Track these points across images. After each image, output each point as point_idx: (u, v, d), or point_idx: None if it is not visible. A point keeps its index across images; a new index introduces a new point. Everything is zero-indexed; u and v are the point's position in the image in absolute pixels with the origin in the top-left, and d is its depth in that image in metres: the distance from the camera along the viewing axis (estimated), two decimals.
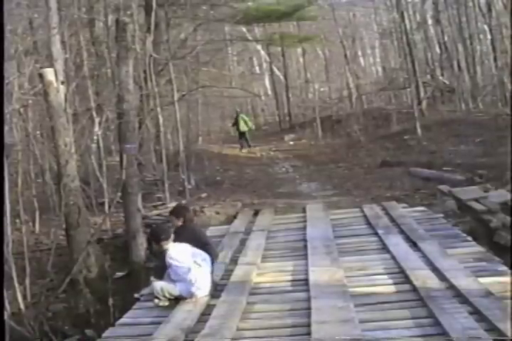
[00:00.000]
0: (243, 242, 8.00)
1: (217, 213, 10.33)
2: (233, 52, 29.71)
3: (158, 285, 5.88)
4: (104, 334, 5.24)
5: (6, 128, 7.83)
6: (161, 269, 6.15)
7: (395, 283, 5.76)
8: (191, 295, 5.74)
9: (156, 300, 5.85)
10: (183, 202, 11.32)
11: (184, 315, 5.32)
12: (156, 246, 6.03)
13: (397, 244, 7.16)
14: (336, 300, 5.23)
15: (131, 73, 8.94)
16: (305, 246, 7.48)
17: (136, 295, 6.39)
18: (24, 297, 7.05)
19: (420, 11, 28.43)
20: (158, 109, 12.52)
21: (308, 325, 4.75)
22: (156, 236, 6.04)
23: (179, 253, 5.87)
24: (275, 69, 31.67)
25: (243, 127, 21.99)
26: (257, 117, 33.68)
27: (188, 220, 6.54)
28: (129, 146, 8.57)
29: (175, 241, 6.00)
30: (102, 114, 11.66)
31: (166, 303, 5.79)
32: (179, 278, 5.80)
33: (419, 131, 17.26)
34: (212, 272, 6.04)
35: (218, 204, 11.09)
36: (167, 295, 5.82)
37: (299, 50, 30.43)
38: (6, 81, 7.59)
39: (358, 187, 12.44)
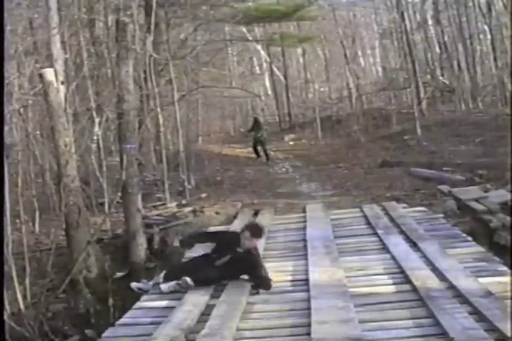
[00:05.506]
0: None
1: (217, 213, 10.32)
2: (233, 52, 29.67)
3: None
4: (104, 334, 5.23)
5: (6, 128, 7.82)
6: (179, 271, 6.15)
7: (395, 283, 5.76)
8: None
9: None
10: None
11: (184, 315, 5.30)
12: (250, 241, 6.03)
13: (397, 244, 7.15)
14: (335, 300, 5.23)
15: (131, 73, 8.92)
16: (305, 246, 7.48)
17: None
18: (24, 297, 7.05)
19: (420, 11, 28.45)
20: (158, 109, 12.52)
21: (308, 325, 4.75)
22: (260, 230, 6.19)
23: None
24: (275, 70, 31.62)
25: (263, 134, 18.85)
26: None
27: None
28: (129, 146, 8.57)
29: (219, 258, 6.05)
30: (102, 114, 11.65)
31: None
32: None
33: (419, 131, 17.26)
34: None
35: (218, 204, 11.07)
36: None
37: (299, 50, 30.38)
38: (6, 81, 7.60)
39: (358, 187, 12.42)
